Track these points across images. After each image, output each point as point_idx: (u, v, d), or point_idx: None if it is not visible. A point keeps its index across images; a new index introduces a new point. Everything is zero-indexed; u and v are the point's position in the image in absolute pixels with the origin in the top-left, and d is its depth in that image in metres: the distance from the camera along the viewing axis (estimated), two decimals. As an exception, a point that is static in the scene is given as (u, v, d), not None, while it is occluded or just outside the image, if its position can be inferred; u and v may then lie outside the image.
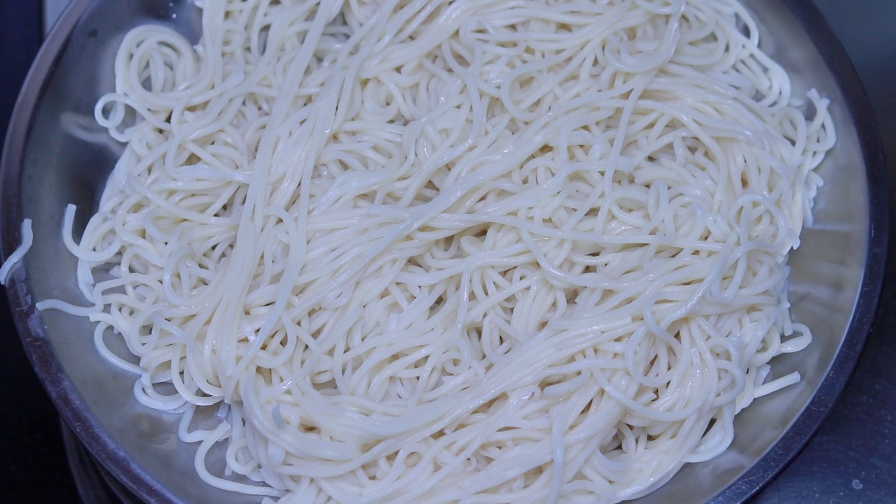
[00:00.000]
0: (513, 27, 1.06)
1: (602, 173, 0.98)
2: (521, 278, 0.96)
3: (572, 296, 0.97)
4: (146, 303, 0.98)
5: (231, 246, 1.01)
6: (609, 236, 0.96)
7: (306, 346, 0.95)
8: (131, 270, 1.00)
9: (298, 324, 0.96)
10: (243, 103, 1.05)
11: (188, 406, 0.97)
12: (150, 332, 0.96)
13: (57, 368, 0.90)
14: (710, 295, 0.92)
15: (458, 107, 1.01)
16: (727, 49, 1.07)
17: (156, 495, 0.86)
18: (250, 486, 0.93)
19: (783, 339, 0.97)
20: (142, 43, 1.07)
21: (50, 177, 0.99)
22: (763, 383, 0.96)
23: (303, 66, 1.04)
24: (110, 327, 0.98)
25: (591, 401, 0.91)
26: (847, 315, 0.92)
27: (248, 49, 1.10)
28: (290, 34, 1.08)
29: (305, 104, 1.04)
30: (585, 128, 1.00)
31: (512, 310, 0.97)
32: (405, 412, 0.92)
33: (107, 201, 1.02)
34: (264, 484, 0.94)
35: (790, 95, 1.06)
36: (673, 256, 0.96)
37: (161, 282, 0.97)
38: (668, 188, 0.98)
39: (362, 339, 0.96)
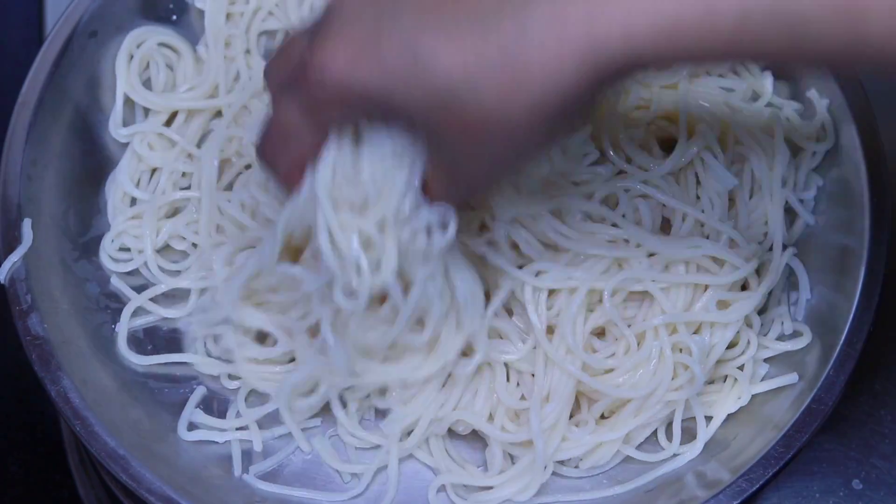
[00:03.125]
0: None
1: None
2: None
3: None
4: (146, 303, 0.99)
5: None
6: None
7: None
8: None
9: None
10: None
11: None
12: (150, 332, 0.97)
13: (56, 367, 0.90)
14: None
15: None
16: (726, 49, 1.07)
17: (156, 494, 0.86)
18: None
19: (783, 338, 0.97)
20: (142, 44, 1.07)
21: (50, 177, 0.99)
22: (761, 381, 0.96)
23: (303, 66, 1.04)
24: (110, 327, 0.98)
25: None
26: (847, 315, 0.92)
27: (248, 51, 1.10)
28: (290, 36, 1.08)
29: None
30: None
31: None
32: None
33: (107, 200, 1.02)
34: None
35: (789, 96, 1.06)
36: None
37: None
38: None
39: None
